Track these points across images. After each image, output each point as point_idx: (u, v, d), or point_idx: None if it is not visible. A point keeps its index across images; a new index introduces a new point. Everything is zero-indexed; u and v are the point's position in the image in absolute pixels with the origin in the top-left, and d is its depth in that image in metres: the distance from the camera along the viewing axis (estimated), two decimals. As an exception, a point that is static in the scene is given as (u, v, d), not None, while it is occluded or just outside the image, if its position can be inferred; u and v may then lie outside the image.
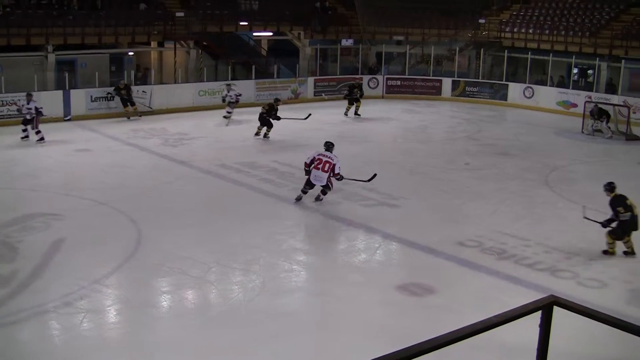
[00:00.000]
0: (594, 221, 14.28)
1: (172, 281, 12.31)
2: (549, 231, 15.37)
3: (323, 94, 33.22)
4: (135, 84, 29.58)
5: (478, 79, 36.74)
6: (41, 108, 23.06)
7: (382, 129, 28.32)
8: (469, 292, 12.13)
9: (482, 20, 38.39)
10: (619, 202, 13.94)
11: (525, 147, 24.89)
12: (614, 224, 13.92)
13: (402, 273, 13.09)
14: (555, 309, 4.40)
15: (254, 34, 36.66)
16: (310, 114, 26.03)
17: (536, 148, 24.88)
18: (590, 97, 30.53)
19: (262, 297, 11.66)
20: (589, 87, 34.21)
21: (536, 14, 38.36)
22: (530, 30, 36.76)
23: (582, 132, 27.96)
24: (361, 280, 12.71)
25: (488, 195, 18.46)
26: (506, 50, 35.96)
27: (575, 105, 32.14)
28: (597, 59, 33.53)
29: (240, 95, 28.28)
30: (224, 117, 27.91)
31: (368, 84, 35.49)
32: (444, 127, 29.13)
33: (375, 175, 17.74)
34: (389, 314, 11.16)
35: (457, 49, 37.12)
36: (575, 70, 35.76)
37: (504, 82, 35.52)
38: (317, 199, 17.20)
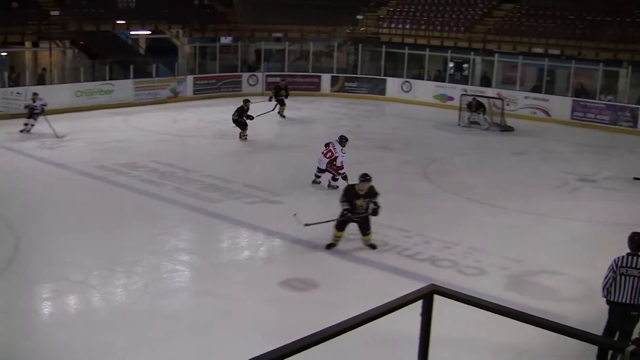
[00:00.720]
0: (319, 222, 14.22)
1: (54, 287, 12.02)
2: (429, 222, 15.70)
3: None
4: (9, 86, 28.71)
5: (357, 74, 37.21)
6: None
7: (263, 126, 28.28)
8: (352, 285, 12.27)
9: (360, 17, 38.84)
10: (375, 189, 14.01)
11: (404, 141, 25.32)
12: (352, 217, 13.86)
13: (285, 269, 13.11)
14: (436, 297, 4.50)
15: (132, 32, 36.08)
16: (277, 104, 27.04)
17: (415, 141, 25.36)
18: (465, 90, 31.34)
19: (145, 299, 11.51)
20: (464, 80, 35.14)
21: (412, 9, 39.09)
22: (407, 26, 37.49)
23: (459, 124, 28.67)
24: (245, 278, 12.69)
25: (369, 189, 18.67)
26: (384, 46, 36.52)
27: (451, 99, 32.94)
28: (472, 53, 34.57)
29: (46, 105, 25.49)
30: (23, 129, 24.87)
31: (248, 81, 35.43)
32: (324, 122, 29.33)
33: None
34: (274, 311, 11.18)
35: (336, 45, 37.47)
36: (451, 65, 36.62)
37: (382, 77, 36.06)
38: (329, 185, 18.62)
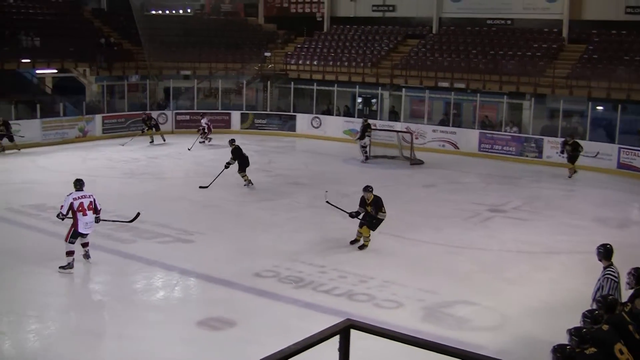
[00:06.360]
0: (337, 207, 17.27)
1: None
2: (343, 256, 15.80)
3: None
4: None
5: (266, 110, 37.36)
6: None
7: (173, 164, 28.15)
8: (269, 322, 12.23)
9: (267, 54, 39.19)
10: (381, 202, 16.26)
11: (315, 176, 25.48)
12: (366, 218, 16.32)
13: (201, 308, 13.03)
14: (352, 331, 4.55)
15: (37, 71, 35.53)
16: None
17: (326, 176, 25.51)
18: (375, 125, 31.70)
19: (59, 344, 11.29)
20: (373, 115, 35.53)
21: (319, 46, 39.61)
22: (315, 62, 37.87)
23: (366, 157, 29.11)
24: (161, 319, 12.54)
25: (282, 224, 18.75)
26: (292, 82, 36.78)
27: (361, 133, 33.34)
28: (380, 88, 35.06)
29: None
30: None
31: (157, 119, 35.19)
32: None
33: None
34: (191, 351, 11.08)
35: (245, 82, 37.58)
36: (359, 100, 37.10)
37: (291, 114, 36.29)
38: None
